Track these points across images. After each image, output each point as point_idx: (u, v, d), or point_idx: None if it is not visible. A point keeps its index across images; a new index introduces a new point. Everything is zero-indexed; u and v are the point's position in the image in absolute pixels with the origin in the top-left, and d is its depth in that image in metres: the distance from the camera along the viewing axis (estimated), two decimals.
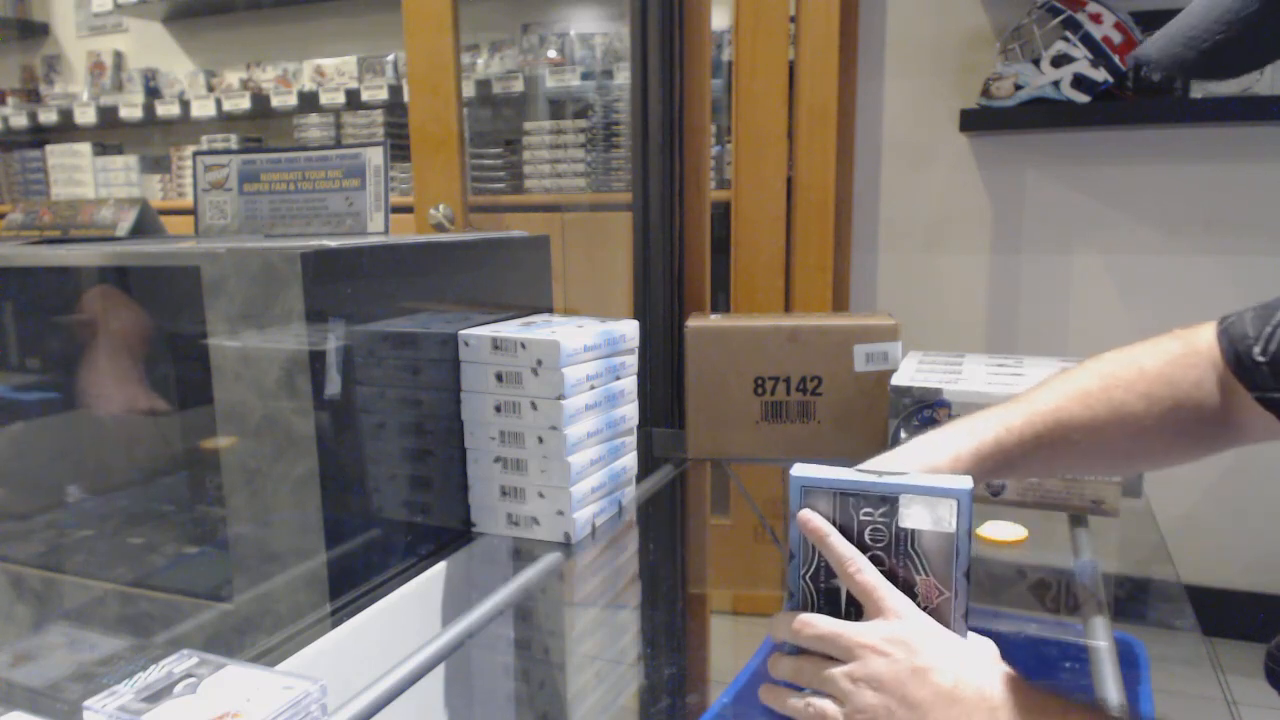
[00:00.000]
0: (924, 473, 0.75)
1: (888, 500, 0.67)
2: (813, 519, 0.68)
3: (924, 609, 0.66)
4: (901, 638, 0.63)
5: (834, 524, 0.68)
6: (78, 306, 1.07)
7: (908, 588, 0.67)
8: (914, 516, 0.66)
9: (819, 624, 0.67)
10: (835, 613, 0.69)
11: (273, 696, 0.60)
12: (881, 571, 0.67)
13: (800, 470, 0.70)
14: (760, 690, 0.70)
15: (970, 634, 0.66)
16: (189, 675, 0.62)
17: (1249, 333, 0.77)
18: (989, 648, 0.65)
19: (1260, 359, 0.76)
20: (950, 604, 0.66)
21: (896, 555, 0.67)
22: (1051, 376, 0.85)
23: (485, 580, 1.02)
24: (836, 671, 0.64)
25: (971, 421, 0.81)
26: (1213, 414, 0.80)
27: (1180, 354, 0.81)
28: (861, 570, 0.66)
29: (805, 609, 0.70)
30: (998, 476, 0.81)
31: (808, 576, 0.69)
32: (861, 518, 0.68)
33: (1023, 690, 0.60)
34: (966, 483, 0.66)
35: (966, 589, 0.66)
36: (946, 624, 0.66)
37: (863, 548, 0.68)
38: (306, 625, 0.88)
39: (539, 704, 1.02)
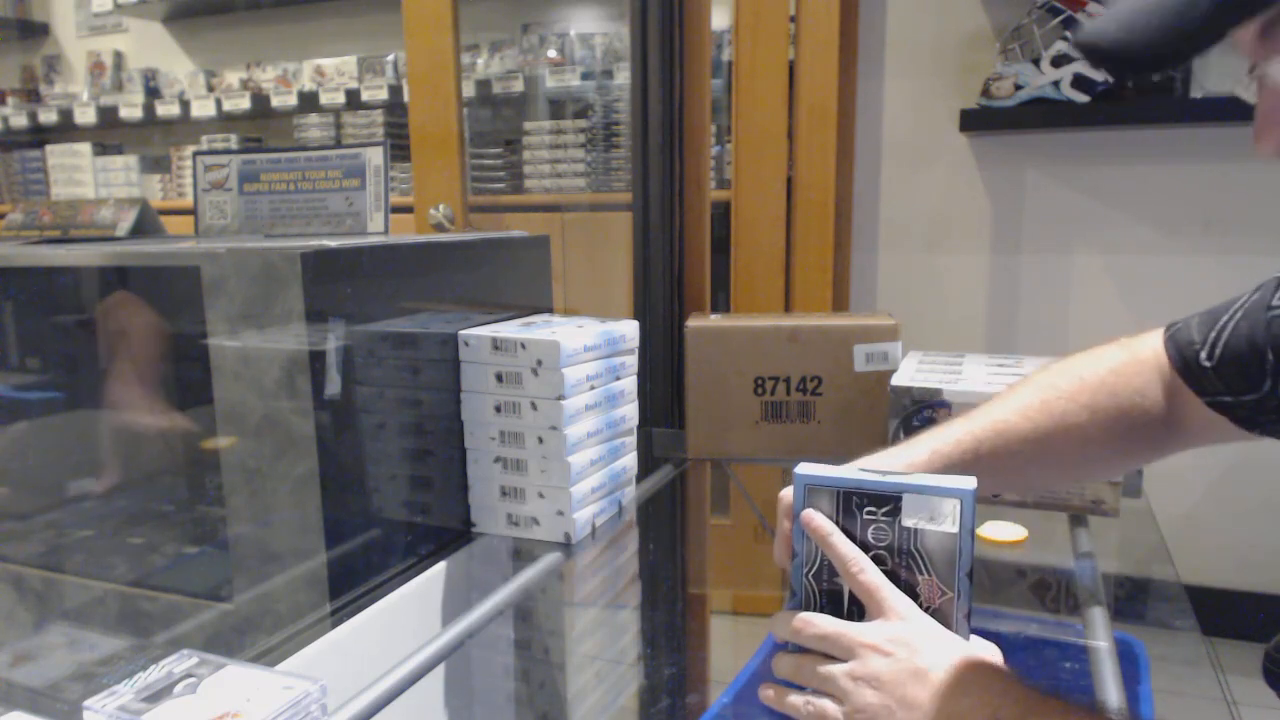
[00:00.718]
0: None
1: (891, 499, 0.67)
2: (815, 518, 0.68)
3: (926, 609, 0.66)
4: (903, 638, 0.63)
5: (837, 523, 0.68)
6: (87, 310, 1.07)
7: (910, 588, 0.67)
8: (917, 516, 0.66)
9: (821, 623, 0.67)
10: (838, 612, 0.69)
11: (273, 696, 0.60)
12: (884, 571, 0.67)
13: (804, 469, 0.70)
14: (760, 689, 0.70)
15: (973, 636, 0.66)
16: (189, 675, 0.62)
17: (1195, 339, 0.78)
18: (991, 650, 0.65)
19: (1207, 364, 0.76)
20: (953, 604, 0.66)
21: (899, 555, 0.67)
22: (999, 393, 0.86)
23: (485, 580, 1.02)
24: (837, 670, 0.64)
25: (913, 439, 0.81)
26: (1158, 420, 0.81)
27: (1123, 362, 0.82)
28: (864, 570, 0.66)
29: (807, 608, 0.70)
30: None
31: (810, 575, 0.69)
32: (864, 517, 0.68)
33: (1024, 693, 0.60)
34: (970, 482, 0.66)
35: (969, 589, 0.66)
36: (949, 624, 0.66)
37: (865, 547, 0.68)
38: (306, 625, 0.88)
39: (539, 704, 1.02)
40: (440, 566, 1.01)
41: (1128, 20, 0.52)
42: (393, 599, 0.94)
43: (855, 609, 0.68)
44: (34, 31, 4.11)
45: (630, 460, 1.18)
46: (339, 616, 0.89)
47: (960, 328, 2.47)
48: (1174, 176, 2.26)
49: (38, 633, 1.05)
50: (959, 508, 0.65)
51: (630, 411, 1.15)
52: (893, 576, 0.67)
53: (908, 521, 0.67)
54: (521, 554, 1.05)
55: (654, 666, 1.03)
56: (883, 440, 1.21)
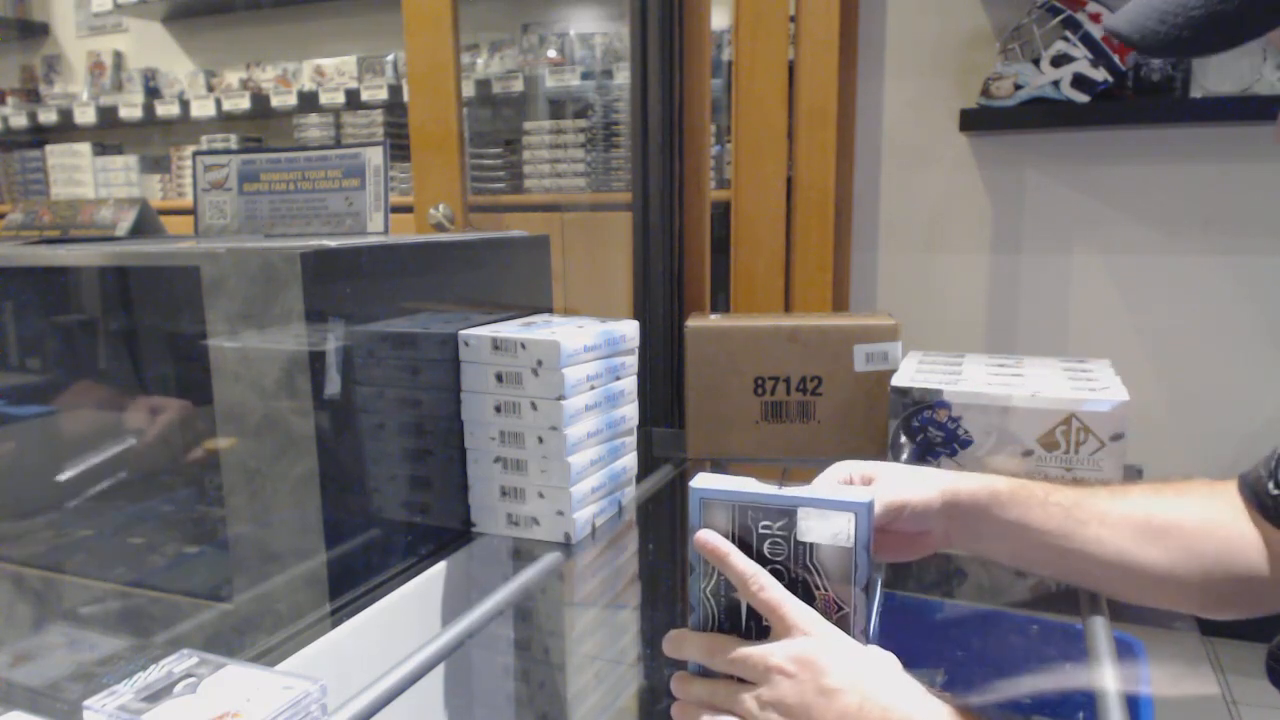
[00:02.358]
0: (833, 484, 0.75)
1: (786, 513, 0.66)
2: (710, 539, 0.67)
3: None
4: (807, 657, 0.63)
5: (733, 536, 0.67)
6: (87, 311, 1.07)
7: (807, 602, 0.66)
8: (812, 530, 0.65)
9: (726, 647, 0.66)
10: (737, 626, 0.68)
11: (273, 696, 0.60)
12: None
13: (700, 482, 0.69)
14: (674, 709, 0.69)
15: (871, 647, 0.66)
16: (189, 675, 0.62)
17: (1262, 474, 0.77)
18: (891, 661, 0.65)
19: (1275, 492, 0.75)
20: (849, 619, 0.65)
21: (795, 569, 0.66)
22: None
23: (485, 580, 1.02)
24: (746, 696, 0.64)
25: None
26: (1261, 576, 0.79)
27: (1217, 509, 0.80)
28: (765, 588, 0.65)
29: (706, 624, 0.69)
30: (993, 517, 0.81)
31: (708, 591, 0.69)
32: (760, 531, 0.67)
33: (930, 705, 0.60)
34: (865, 495, 0.65)
35: (866, 603, 0.65)
36: None
37: (762, 561, 0.67)
38: (306, 625, 0.88)
39: (539, 704, 1.02)
40: (440, 566, 1.01)
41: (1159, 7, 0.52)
42: (393, 599, 0.94)
43: (753, 622, 0.67)
44: (34, 31, 4.11)
45: (630, 460, 1.18)
46: (339, 616, 0.89)
47: (960, 328, 2.47)
48: (1174, 176, 2.26)
49: (38, 633, 1.05)
50: (853, 522, 0.64)
51: (630, 411, 1.15)
52: (789, 590, 0.66)
53: (803, 536, 0.66)
54: (521, 554, 1.04)
55: (654, 666, 1.03)
56: (883, 440, 1.21)
